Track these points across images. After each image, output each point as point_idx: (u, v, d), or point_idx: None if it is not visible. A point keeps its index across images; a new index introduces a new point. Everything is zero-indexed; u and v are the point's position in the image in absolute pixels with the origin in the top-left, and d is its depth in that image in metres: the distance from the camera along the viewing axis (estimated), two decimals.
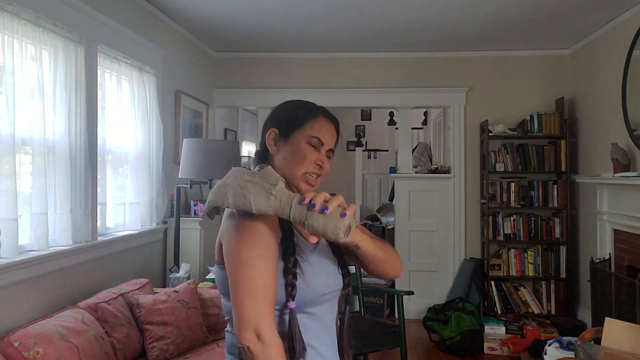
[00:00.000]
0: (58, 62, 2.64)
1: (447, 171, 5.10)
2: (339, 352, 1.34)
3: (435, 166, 5.48)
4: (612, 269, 3.74)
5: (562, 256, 4.73)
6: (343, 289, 1.33)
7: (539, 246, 4.78)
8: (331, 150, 1.34)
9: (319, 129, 1.32)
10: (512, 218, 4.79)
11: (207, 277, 3.63)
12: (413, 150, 6.46)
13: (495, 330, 4.18)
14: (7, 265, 2.21)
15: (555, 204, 4.72)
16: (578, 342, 2.79)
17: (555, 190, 4.72)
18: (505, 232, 4.79)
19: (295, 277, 1.19)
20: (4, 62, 2.27)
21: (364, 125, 9.96)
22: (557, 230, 4.72)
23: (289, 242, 1.22)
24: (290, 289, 1.19)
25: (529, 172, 4.82)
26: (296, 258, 1.21)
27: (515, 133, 4.81)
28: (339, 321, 1.36)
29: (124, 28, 3.28)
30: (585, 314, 4.50)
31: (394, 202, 5.70)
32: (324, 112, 1.37)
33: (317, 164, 1.29)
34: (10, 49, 2.28)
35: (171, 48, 4.11)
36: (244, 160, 5.94)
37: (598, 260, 3.87)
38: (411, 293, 3.61)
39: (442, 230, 5.06)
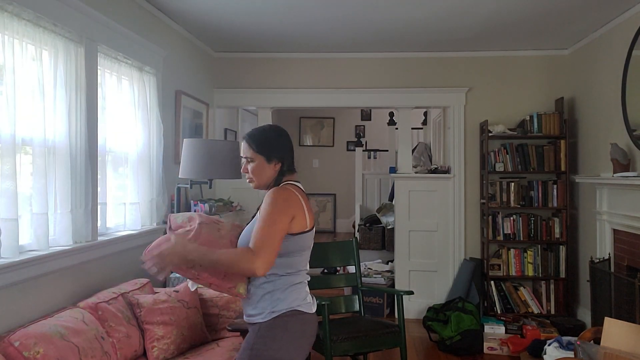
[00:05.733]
0: (58, 62, 2.64)
1: (447, 171, 5.10)
2: None
3: (435, 166, 5.48)
4: (612, 269, 3.74)
5: (561, 256, 4.73)
6: None
7: (539, 246, 4.78)
8: (246, 157, 2.01)
9: None
10: (511, 218, 4.79)
11: None
12: (413, 150, 6.47)
13: (495, 330, 4.18)
14: (8, 265, 2.21)
15: (555, 204, 4.72)
16: (578, 342, 2.79)
17: (555, 190, 4.72)
18: (505, 232, 4.80)
19: None
20: (4, 62, 2.27)
21: (364, 125, 9.98)
22: (557, 230, 4.73)
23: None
24: None
25: (529, 172, 4.82)
26: None
27: (515, 133, 4.81)
28: None
29: (124, 28, 3.28)
30: (584, 314, 4.50)
31: (393, 202, 5.70)
32: None
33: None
34: (10, 49, 2.28)
35: (171, 48, 4.11)
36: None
37: (597, 260, 3.87)
38: (411, 293, 3.60)
39: (441, 230, 5.07)
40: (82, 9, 2.79)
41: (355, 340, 3.24)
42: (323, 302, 3.16)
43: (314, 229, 2.01)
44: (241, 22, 4.21)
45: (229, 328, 2.90)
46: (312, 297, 2.03)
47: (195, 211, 4.01)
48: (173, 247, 1.80)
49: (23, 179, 2.43)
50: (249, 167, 2.01)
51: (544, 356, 3.60)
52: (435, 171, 5.21)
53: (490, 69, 5.05)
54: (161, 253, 1.79)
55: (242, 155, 2.04)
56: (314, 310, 2.00)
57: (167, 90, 4.02)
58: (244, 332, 2.40)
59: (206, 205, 4.03)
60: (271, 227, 1.81)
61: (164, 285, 3.71)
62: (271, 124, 2.09)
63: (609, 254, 3.85)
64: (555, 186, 4.73)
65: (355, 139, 8.97)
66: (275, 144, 2.00)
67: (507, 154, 4.80)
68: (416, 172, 5.33)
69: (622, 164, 3.68)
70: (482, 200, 4.90)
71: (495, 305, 4.71)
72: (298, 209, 1.91)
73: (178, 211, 3.65)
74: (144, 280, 3.03)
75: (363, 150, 8.32)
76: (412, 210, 5.09)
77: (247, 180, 2.05)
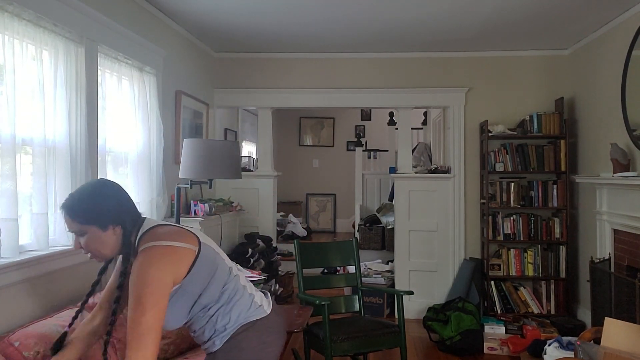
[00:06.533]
0: (58, 63, 2.64)
1: (447, 171, 5.10)
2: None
3: (435, 166, 5.48)
4: (612, 269, 3.74)
5: (561, 256, 4.73)
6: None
7: (539, 246, 4.78)
8: (74, 232, 1.66)
9: None
10: (511, 218, 4.79)
11: None
12: (413, 150, 6.47)
13: (495, 330, 4.18)
14: (8, 265, 2.21)
15: (555, 204, 4.72)
16: (578, 342, 2.79)
17: (555, 190, 4.72)
18: (505, 232, 4.80)
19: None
20: (4, 62, 2.27)
21: (364, 125, 9.98)
22: (557, 230, 4.73)
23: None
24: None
25: (529, 172, 4.82)
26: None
27: (515, 133, 4.81)
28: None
29: (124, 28, 3.28)
30: (584, 314, 4.50)
31: (393, 202, 5.70)
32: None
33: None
34: (10, 49, 2.29)
35: (171, 48, 4.11)
36: (244, 160, 5.94)
37: (598, 260, 3.87)
38: (411, 293, 3.61)
39: (441, 230, 5.07)
40: (82, 9, 2.79)
41: (355, 340, 3.24)
42: (323, 302, 3.17)
43: (201, 239, 1.75)
44: (241, 22, 4.21)
45: None
46: (263, 294, 1.87)
47: (195, 212, 4.01)
48: None
49: (23, 179, 2.43)
50: (82, 241, 1.66)
51: (544, 356, 3.60)
52: (435, 171, 5.21)
53: (490, 69, 5.05)
54: None
55: (68, 230, 1.68)
56: (268, 310, 1.84)
57: (167, 90, 4.02)
58: None
59: (206, 205, 4.03)
60: (144, 317, 1.51)
61: None
62: (90, 181, 1.78)
63: (609, 254, 3.85)
64: (555, 186, 4.73)
65: (355, 139, 8.97)
66: (104, 207, 1.66)
67: (507, 154, 4.80)
68: (416, 172, 5.33)
69: (622, 164, 3.68)
70: (482, 200, 4.90)
71: (495, 305, 4.71)
72: (172, 257, 1.62)
73: (178, 211, 3.65)
74: None
75: (363, 150, 8.33)
76: (412, 210, 5.09)
77: (89, 257, 1.70)
